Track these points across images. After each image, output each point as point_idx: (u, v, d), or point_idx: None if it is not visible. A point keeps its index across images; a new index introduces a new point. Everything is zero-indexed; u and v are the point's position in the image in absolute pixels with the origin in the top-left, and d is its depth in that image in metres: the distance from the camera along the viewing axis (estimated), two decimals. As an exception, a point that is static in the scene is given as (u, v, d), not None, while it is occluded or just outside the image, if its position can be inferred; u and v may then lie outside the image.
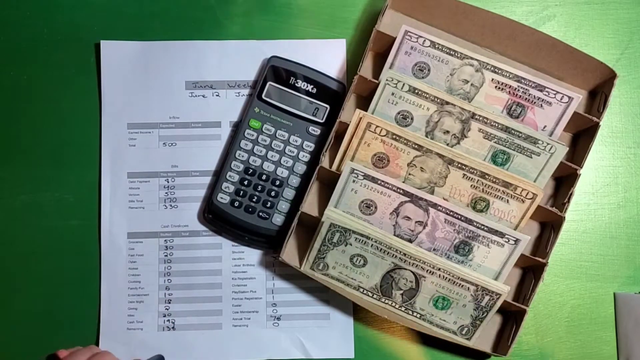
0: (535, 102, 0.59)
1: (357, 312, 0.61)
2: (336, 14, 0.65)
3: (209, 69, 0.64)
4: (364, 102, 0.61)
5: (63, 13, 0.64)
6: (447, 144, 0.59)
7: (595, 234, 0.63)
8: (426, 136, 0.59)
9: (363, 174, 0.57)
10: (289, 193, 0.61)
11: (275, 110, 0.62)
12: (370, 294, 0.59)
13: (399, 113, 0.59)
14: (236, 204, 0.61)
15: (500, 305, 0.57)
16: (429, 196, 0.57)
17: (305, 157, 0.61)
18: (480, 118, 0.58)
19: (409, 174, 0.59)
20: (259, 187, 0.61)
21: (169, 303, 0.61)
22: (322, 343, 0.61)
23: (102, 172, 0.62)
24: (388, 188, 0.57)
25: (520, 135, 0.58)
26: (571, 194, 0.58)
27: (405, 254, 0.56)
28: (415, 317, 0.59)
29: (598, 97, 0.61)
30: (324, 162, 0.59)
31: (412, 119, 0.59)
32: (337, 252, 0.58)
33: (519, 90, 0.59)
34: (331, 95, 0.62)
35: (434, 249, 0.58)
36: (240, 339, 0.61)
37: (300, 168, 0.61)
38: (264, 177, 0.61)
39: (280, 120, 0.61)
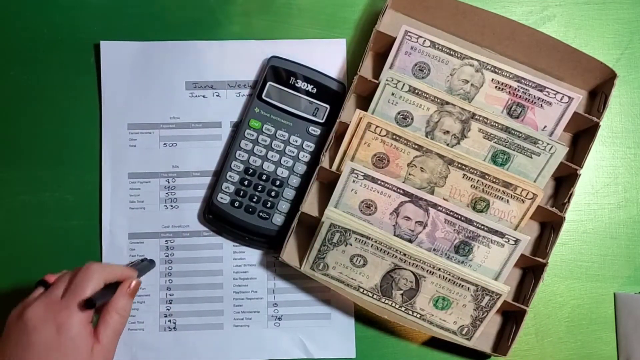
0: (535, 102, 0.59)
1: (358, 312, 0.61)
2: (336, 14, 0.65)
3: (209, 69, 0.64)
4: (364, 102, 0.61)
5: (63, 13, 0.64)
6: (447, 144, 0.59)
7: (595, 234, 0.63)
8: (426, 136, 0.59)
9: (363, 174, 0.57)
10: (289, 193, 0.61)
11: (276, 110, 0.61)
12: (370, 294, 0.59)
13: (399, 113, 0.59)
14: (236, 204, 0.61)
15: (500, 305, 0.57)
16: (429, 196, 0.57)
17: (305, 157, 0.61)
18: (480, 118, 0.58)
19: (409, 174, 0.59)
20: (259, 187, 0.61)
21: (170, 303, 0.61)
22: (323, 343, 0.61)
23: (103, 172, 0.62)
24: (388, 188, 0.57)
25: (520, 135, 0.58)
26: (571, 194, 0.58)
27: (405, 254, 0.56)
28: (415, 317, 0.59)
29: (598, 97, 0.61)
30: (324, 162, 0.59)
31: (412, 119, 0.59)
32: (337, 252, 0.58)
33: (519, 90, 0.59)
34: (331, 95, 0.62)
35: (434, 249, 0.58)
36: (242, 339, 0.61)
37: (301, 168, 0.61)
38: (264, 177, 0.61)
39: (281, 120, 0.61)
